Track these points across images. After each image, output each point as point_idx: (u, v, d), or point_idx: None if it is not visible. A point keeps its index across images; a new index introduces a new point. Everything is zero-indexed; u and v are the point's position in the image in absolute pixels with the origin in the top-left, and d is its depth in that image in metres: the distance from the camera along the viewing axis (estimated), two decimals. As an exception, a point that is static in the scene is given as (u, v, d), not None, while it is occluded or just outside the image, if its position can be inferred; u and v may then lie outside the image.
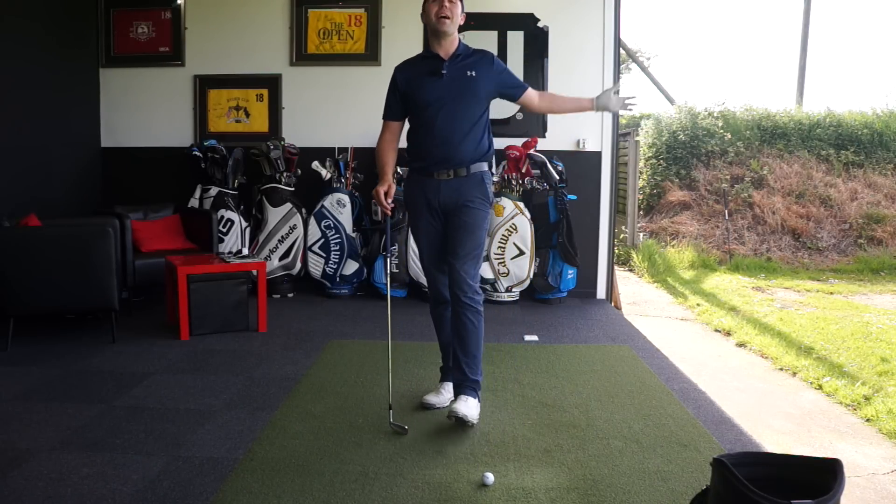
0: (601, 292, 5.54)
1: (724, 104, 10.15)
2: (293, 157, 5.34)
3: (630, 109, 2.94)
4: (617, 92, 2.93)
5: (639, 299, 6.35)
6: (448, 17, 2.71)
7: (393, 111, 2.87)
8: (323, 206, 5.25)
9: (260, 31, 5.56)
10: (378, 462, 2.43)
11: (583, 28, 5.43)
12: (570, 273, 5.16)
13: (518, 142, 5.21)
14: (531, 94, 2.89)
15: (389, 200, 2.74)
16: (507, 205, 5.07)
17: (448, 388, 3.01)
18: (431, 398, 2.98)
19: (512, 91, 2.87)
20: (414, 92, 2.78)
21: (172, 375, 3.38)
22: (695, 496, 1.82)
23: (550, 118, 5.46)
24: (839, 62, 27.37)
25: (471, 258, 2.79)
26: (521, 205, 5.09)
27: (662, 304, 6.24)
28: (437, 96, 2.74)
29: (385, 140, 2.87)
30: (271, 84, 5.60)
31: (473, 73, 2.76)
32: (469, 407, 2.73)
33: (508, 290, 5.18)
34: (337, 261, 5.26)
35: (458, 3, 2.77)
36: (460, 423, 2.72)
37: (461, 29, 2.83)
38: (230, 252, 4.79)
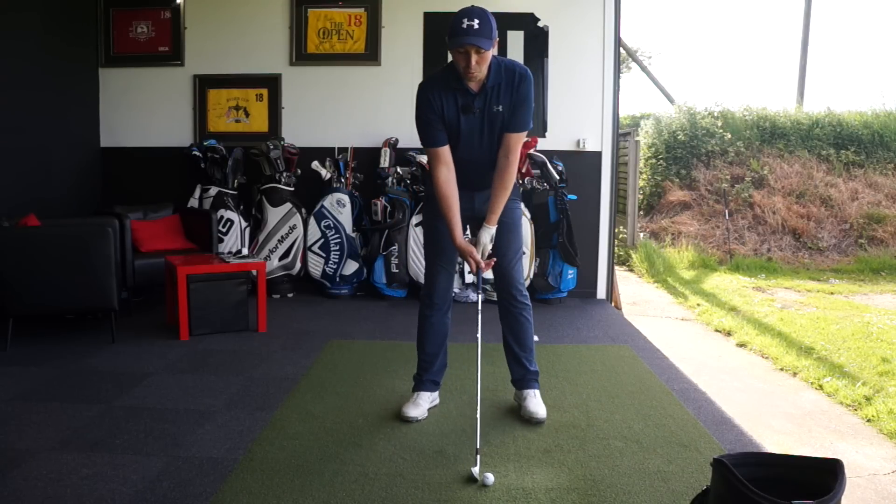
0: (601, 292, 5.54)
1: (724, 104, 10.17)
2: (293, 157, 5.34)
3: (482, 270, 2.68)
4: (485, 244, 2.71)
5: (639, 299, 6.35)
6: (475, 74, 2.52)
7: (438, 136, 2.62)
8: (323, 206, 5.25)
9: (260, 31, 5.56)
10: (378, 462, 2.43)
11: (583, 28, 5.43)
12: (570, 273, 5.16)
13: (518, 142, 5.20)
14: (514, 142, 2.65)
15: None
16: (507, 205, 5.06)
17: (424, 398, 2.90)
18: (411, 411, 2.82)
19: (508, 125, 2.65)
20: (448, 122, 2.63)
21: (172, 375, 3.38)
22: (695, 496, 1.82)
23: (550, 118, 5.46)
24: (839, 62, 27.41)
25: (518, 258, 2.85)
26: (522, 205, 5.07)
27: (662, 304, 6.23)
28: (468, 131, 2.64)
29: (442, 175, 2.60)
30: (271, 84, 5.59)
31: (500, 108, 2.61)
32: (540, 405, 2.85)
33: (508, 290, 5.17)
34: (337, 261, 5.26)
35: (489, 49, 2.48)
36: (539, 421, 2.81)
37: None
38: (230, 252, 4.79)
